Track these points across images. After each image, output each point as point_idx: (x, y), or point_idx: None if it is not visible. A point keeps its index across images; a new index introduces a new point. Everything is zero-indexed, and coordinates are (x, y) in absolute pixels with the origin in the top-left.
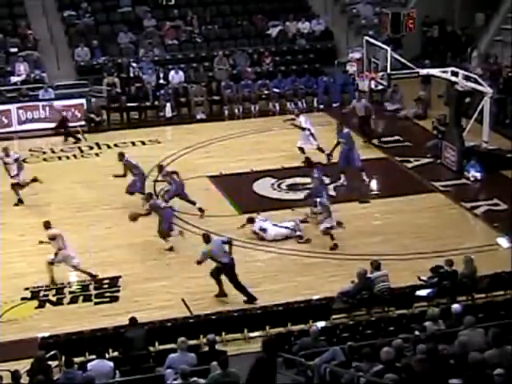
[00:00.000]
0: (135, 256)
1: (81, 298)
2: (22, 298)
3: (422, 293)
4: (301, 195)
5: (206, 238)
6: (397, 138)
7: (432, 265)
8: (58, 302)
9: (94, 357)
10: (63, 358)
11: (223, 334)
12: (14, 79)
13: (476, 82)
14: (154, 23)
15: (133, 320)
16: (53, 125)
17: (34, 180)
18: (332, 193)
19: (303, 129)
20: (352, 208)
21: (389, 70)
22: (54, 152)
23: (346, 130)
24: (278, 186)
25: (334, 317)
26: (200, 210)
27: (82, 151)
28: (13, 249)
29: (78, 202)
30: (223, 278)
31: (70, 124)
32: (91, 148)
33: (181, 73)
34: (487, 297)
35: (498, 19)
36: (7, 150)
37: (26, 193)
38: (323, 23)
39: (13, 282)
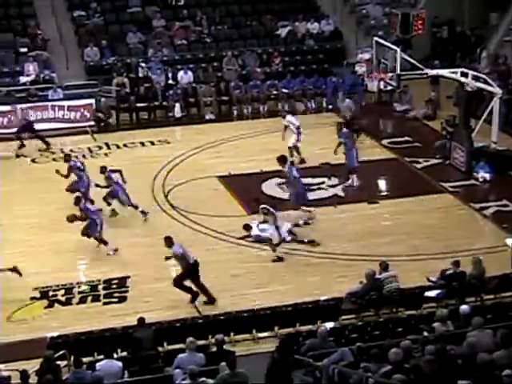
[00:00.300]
0: (144, 256)
1: (89, 298)
2: (31, 298)
3: (431, 294)
4: (311, 196)
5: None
6: (406, 138)
7: (441, 265)
8: (67, 302)
9: (102, 357)
10: (72, 358)
11: (232, 334)
12: (23, 79)
13: (485, 82)
14: (164, 23)
15: (141, 320)
16: (60, 125)
17: None
18: (341, 193)
19: (297, 128)
20: (361, 208)
21: (398, 71)
22: (63, 152)
23: (344, 130)
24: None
25: (342, 317)
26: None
27: (91, 151)
28: (20, 248)
29: None
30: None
31: (80, 124)
32: (100, 148)
33: (190, 73)
34: (496, 298)
35: (507, 20)
36: None
37: (36, 190)
38: (332, 23)
39: (22, 282)
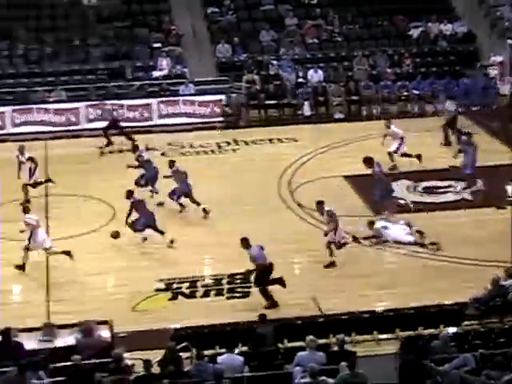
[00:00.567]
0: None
1: (213, 292)
2: (156, 290)
3: None
4: (437, 199)
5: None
6: None
7: None
8: (191, 295)
9: (224, 350)
10: (194, 350)
11: (353, 334)
12: (155, 74)
13: None
14: (296, 22)
15: (262, 317)
16: (189, 120)
17: (48, 180)
18: (469, 197)
19: (401, 138)
20: (490, 213)
21: None
22: (192, 147)
23: (463, 137)
24: (414, 188)
25: (465, 323)
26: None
27: (219, 147)
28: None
29: (213, 198)
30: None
31: (209, 120)
32: (229, 144)
33: (320, 72)
34: None
35: None
36: (23, 148)
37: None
38: (466, 25)
39: (146, 273)
